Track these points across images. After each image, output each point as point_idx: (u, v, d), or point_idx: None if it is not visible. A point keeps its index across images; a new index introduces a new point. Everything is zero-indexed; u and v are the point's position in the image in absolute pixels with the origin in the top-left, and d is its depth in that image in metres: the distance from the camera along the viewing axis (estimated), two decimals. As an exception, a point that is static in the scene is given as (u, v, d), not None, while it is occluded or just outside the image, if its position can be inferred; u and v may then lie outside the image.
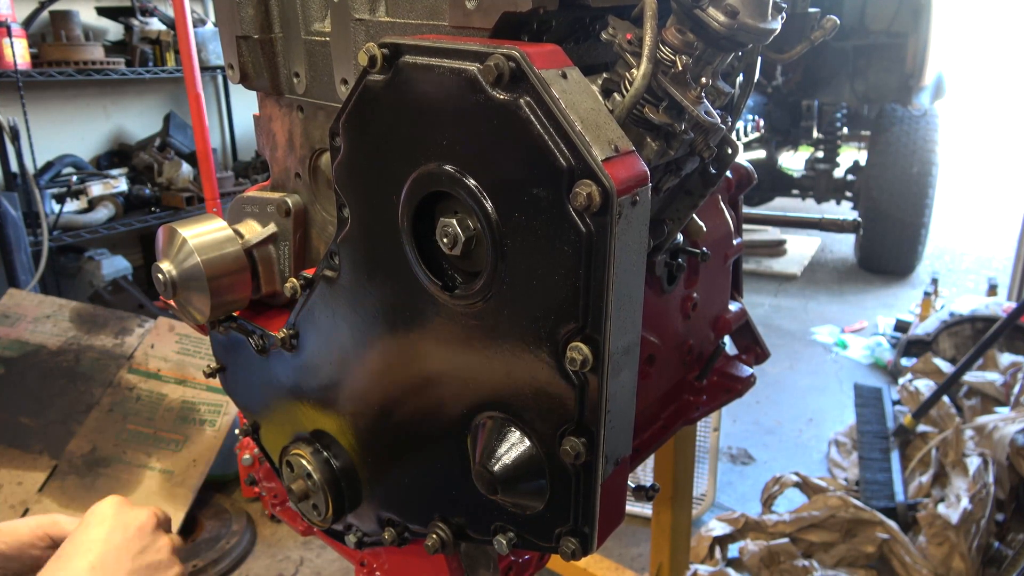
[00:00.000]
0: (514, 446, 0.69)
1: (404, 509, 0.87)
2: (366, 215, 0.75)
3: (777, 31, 0.69)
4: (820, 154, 6.18)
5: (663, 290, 1.07)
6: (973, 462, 2.61)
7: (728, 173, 1.17)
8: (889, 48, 5.01)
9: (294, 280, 0.85)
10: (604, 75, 0.71)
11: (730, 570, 2.42)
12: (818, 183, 6.09)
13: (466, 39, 0.66)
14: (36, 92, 4.19)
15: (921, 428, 3.04)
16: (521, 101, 0.59)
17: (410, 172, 0.68)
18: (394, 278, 0.75)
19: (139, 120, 4.91)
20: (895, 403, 3.45)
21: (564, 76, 0.61)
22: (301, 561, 2.72)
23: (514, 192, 0.62)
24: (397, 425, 0.82)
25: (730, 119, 0.87)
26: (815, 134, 6.22)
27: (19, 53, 3.65)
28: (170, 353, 3.05)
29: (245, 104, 5.44)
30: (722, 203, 1.21)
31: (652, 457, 1.76)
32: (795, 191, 6.31)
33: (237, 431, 1.11)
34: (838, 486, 2.82)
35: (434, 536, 0.81)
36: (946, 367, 3.46)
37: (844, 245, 6.41)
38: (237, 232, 0.95)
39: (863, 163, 5.79)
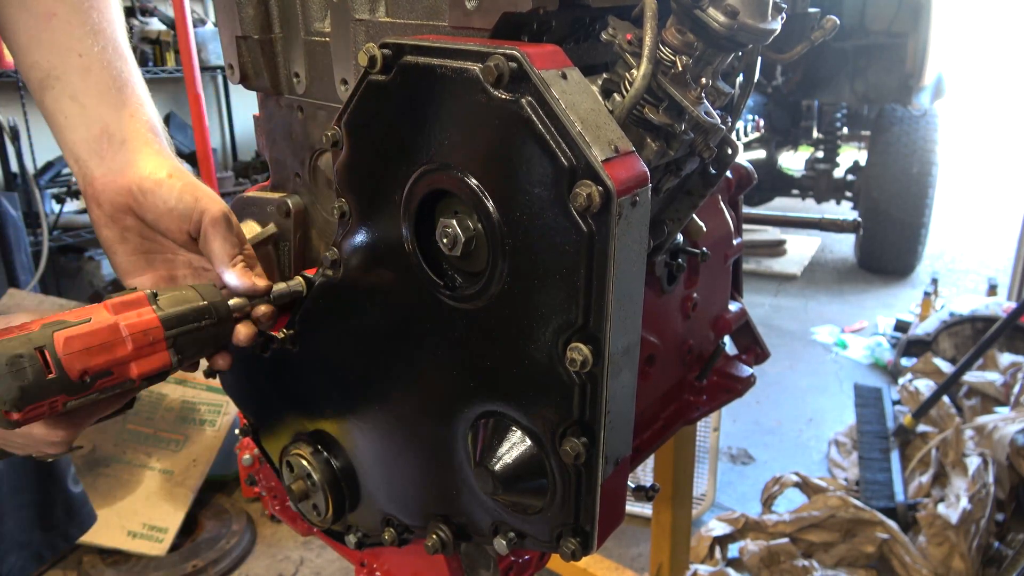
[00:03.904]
0: (515, 446, 0.69)
1: (404, 509, 0.87)
2: (367, 215, 0.75)
3: (777, 31, 0.69)
4: (820, 154, 6.18)
5: (663, 290, 1.08)
6: (973, 462, 2.61)
7: (728, 173, 1.17)
8: (889, 48, 5.01)
9: (299, 278, 0.85)
10: (604, 75, 0.72)
11: (730, 570, 2.42)
12: (818, 183, 6.09)
13: (466, 39, 0.66)
14: (36, 92, 4.18)
15: (921, 428, 3.05)
16: (522, 101, 0.59)
17: (411, 172, 0.69)
18: (395, 278, 0.75)
19: (139, 120, 4.90)
20: (895, 403, 3.45)
21: (564, 76, 0.61)
22: (301, 561, 2.72)
23: (515, 192, 0.62)
24: (397, 425, 0.82)
25: (730, 119, 0.87)
26: (815, 134, 6.22)
27: (19, 53, 3.65)
28: (170, 353, 3.05)
29: (245, 104, 5.44)
30: (722, 203, 1.21)
31: (652, 457, 1.76)
32: (795, 191, 6.30)
33: (237, 431, 1.11)
34: (838, 486, 2.82)
35: (434, 536, 0.81)
36: (946, 367, 3.46)
37: (844, 245, 6.41)
38: (237, 232, 0.95)
39: (863, 163, 5.79)
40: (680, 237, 1.04)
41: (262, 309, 0.81)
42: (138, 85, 0.86)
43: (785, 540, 2.49)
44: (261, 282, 0.80)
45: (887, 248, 5.58)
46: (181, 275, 0.84)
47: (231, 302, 0.78)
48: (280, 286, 0.82)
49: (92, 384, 0.69)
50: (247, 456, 1.25)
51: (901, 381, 3.53)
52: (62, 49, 0.82)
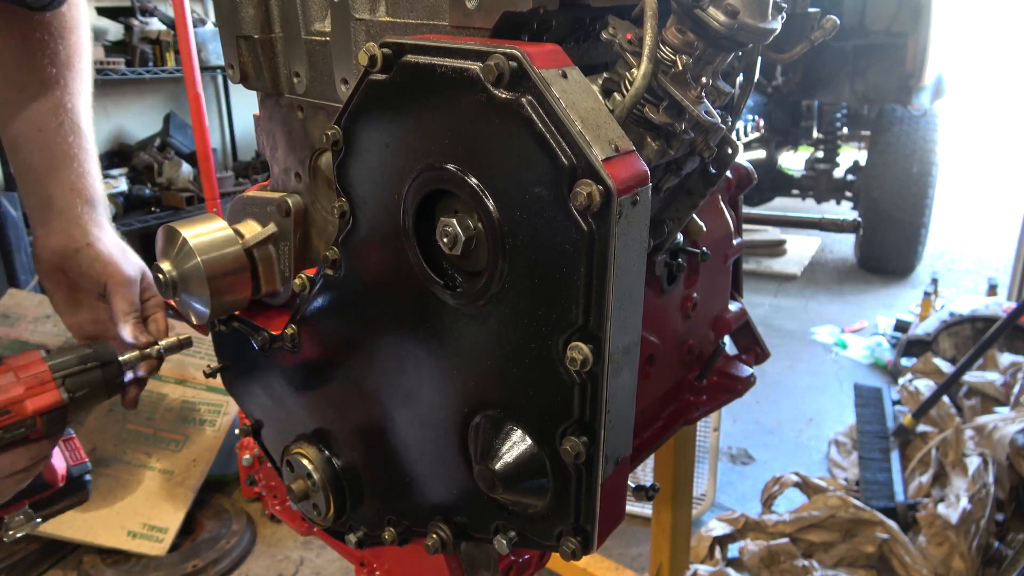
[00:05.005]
0: (515, 444, 0.69)
1: (405, 508, 0.87)
2: (367, 215, 0.76)
3: (777, 31, 0.69)
4: (820, 154, 6.18)
5: (663, 290, 1.08)
6: (973, 462, 2.61)
7: (728, 173, 1.17)
8: (889, 48, 5.01)
9: (303, 276, 0.85)
10: (604, 75, 0.72)
11: (730, 570, 2.42)
12: (818, 183, 6.09)
13: (467, 39, 0.66)
14: (36, 92, 4.18)
15: (921, 428, 3.05)
16: (523, 100, 0.59)
17: (411, 171, 0.69)
18: (395, 277, 0.75)
19: (139, 120, 4.91)
20: (895, 403, 3.45)
21: (564, 76, 0.61)
22: (301, 561, 2.72)
23: (515, 191, 0.62)
24: (398, 424, 0.82)
25: (730, 119, 0.87)
26: (815, 134, 6.22)
27: (19, 53, 3.64)
28: (170, 353, 3.05)
29: (245, 104, 5.44)
30: (722, 203, 1.21)
31: (652, 457, 1.76)
32: (795, 191, 6.31)
33: (237, 431, 1.12)
34: (838, 486, 2.82)
35: (434, 536, 0.81)
36: (946, 367, 3.46)
37: (844, 245, 6.42)
38: (237, 232, 0.95)
39: (863, 163, 5.79)
40: (680, 237, 1.04)
41: (142, 370, 0.98)
42: (86, 157, 1.03)
43: (785, 540, 2.49)
44: (143, 337, 0.97)
45: (887, 248, 5.58)
46: (103, 319, 1.02)
47: (123, 357, 0.93)
48: (168, 340, 0.99)
49: None
50: (247, 456, 1.25)
51: (901, 381, 3.53)
52: (27, 122, 0.99)
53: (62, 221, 1.00)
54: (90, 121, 1.05)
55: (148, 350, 0.96)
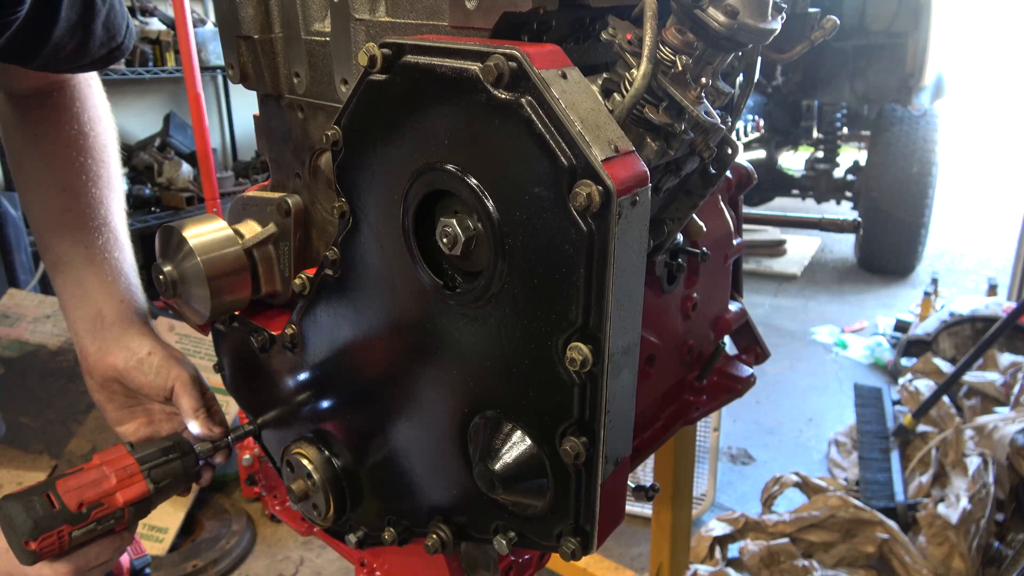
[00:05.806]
0: (515, 445, 0.69)
1: (405, 508, 0.87)
2: (367, 215, 0.76)
3: (777, 31, 0.69)
4: (820, 154, 6.19)
5: (663, 290, 1.08)
6: (973, 462, 2.61)
7: (728, 173, 1.17)
8: (889, 48, 5.01)
9: (303, 276, 0.85)
10: (604, 75, 0.72)
11: (730, 570, 2.42)
12: (818, 183, 6.10)
13: (466, 39, 0.66)
14: (36, 92, 4.17)
15: (921, 428, 3.05)
16: (523, 100, 0.59)
17: (411, 172, 0.69)
18: (395, 278, 0.75)
19: (139, 120, 4.91)
20: (895, 403, 3.46)
21: (564, 76, 0.61)
22: (301, 561, 2.72)
23: (515, 191, 0.62)
24: (398, 424, 0.82)
25: (730, 119, 0.87)
26: (815, 134, 6.22)
27: (19, 53, 3.64)
28: (170, 353, 3.04)
29: (245, 104, 5.44)
30: (722, 203, 1.21)
31: (652, 457, 1.76)
32: (795, 191, 6.31)
33: (237, 431, 1.11)
34: (838, 486, 2.82)
35: (434, 536, 0.81)
36: (946, 367, 3.46)
37: (844, 245, 6.42)
38: (237, 232, 0.95)
39: (863, 163, 5.79)
40: (680, 237, 1.04)
41: (218, 459, 1.02)
42: (131, 272, 1.08)
43: (785, 540, 2.49)
44: (217, 429, 1.01)
45: (887, 248, 5.59)
46: (157, 419, 1.07)
47: (198, 447, 0.99)
48: (236, 432, 1.03)
49: (88, 515, 0.88)
50: (247, 456, 1.25)
51: (901, 381, 3.54)
52: (73, 241, 1.04)
53: (115, 334, 1.03)
54: (127, 235, 1.11)
55: (219, 442, 1.01)
